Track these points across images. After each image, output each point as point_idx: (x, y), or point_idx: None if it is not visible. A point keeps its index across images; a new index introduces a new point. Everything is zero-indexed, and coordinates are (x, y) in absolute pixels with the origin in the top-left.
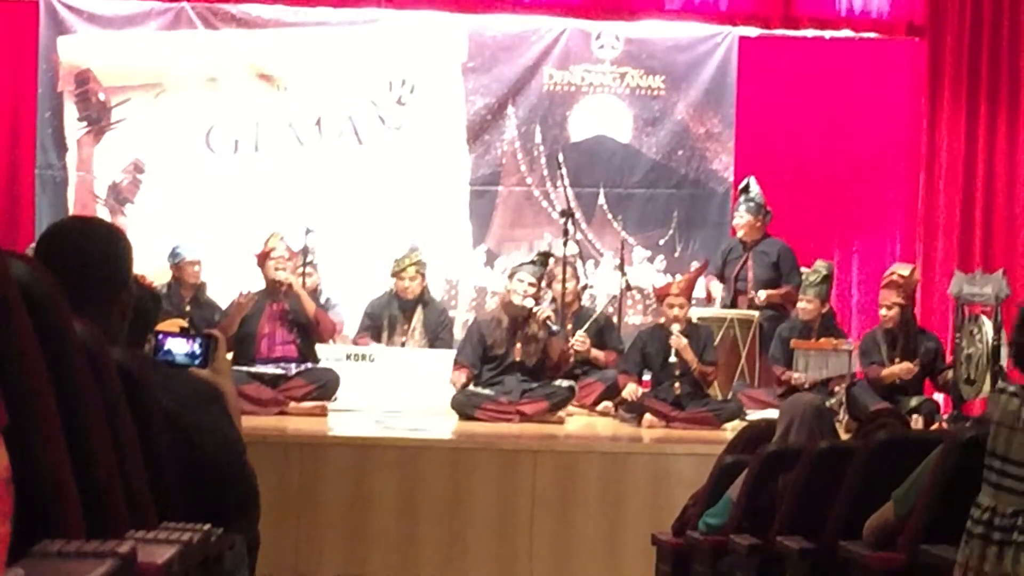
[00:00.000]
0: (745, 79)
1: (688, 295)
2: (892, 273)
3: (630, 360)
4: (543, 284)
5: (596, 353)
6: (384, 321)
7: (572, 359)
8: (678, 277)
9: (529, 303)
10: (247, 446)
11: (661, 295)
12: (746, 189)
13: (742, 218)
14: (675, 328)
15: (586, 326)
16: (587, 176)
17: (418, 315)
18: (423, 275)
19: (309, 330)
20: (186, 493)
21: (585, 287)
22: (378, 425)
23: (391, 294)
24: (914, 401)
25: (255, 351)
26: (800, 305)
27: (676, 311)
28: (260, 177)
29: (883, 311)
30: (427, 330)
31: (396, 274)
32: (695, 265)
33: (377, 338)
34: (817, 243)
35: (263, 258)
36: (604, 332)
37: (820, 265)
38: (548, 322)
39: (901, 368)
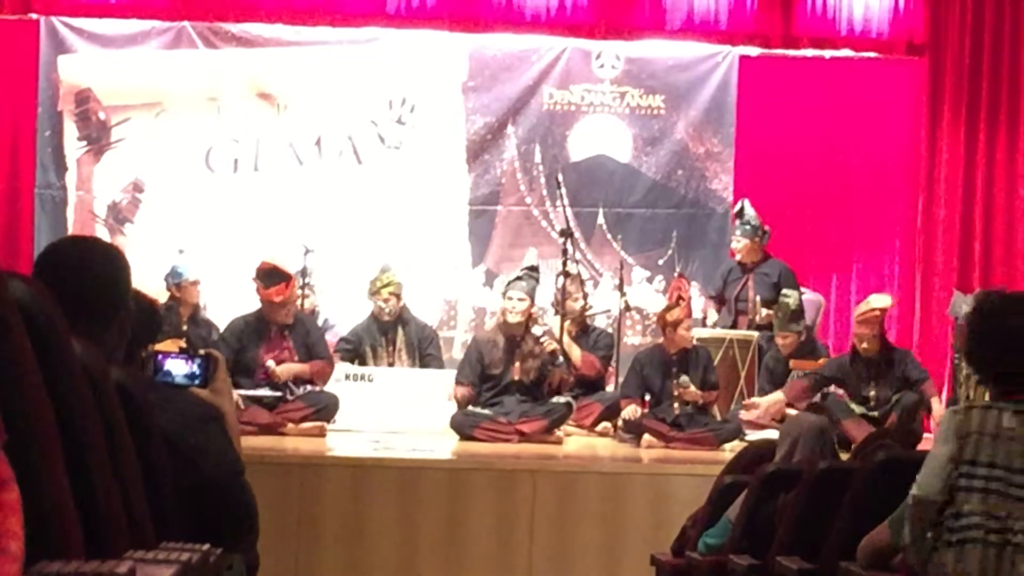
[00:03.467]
0: (745, 99)
1: (690, 316)
2: (871, 309)
3: (630, 384)
4: (535, 299)
5: (574, 353)
6: (366, 346)
7: (571, 381)
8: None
9: (518, 319)
10: (246, 466)
11: (673, 322)
12: (741, 213)
13: (739, 242)
14: (684, 380)
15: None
16: (586, 196)
17: (400, 335)
18: (398, 296)
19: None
20: (185, 513)
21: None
22: (377, 445)
23: (370, 318)
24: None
25: (256, 377)
26: (779, 342)
27: (687, 332)
28: (259, 196)
29: (863, 344)
30: (411, 349)
31: (372, 295)
32: (704, 299)
33: (360, 363)
34: (816, 262)
35: (276, 305)
36: (591, 335)
37: (788, 299)
38: (543, 340)
39: None
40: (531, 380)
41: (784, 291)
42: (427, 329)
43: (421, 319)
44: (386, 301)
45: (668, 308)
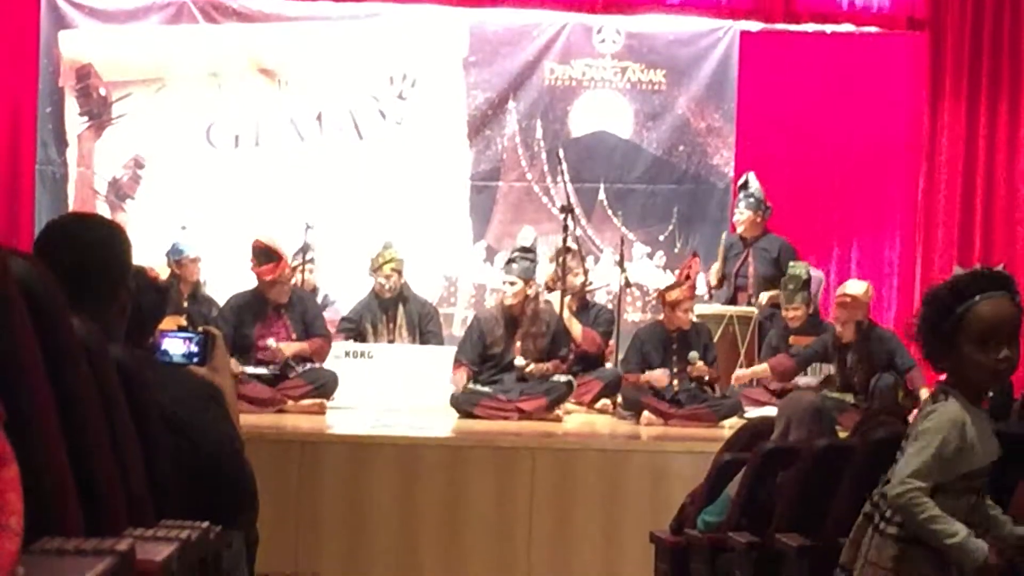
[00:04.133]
0: (746, 74)
1: (692, 297)
2: (843, 294)
3: (631, 360)
4: (530, 279)
5: (575, 328)
6: (367, 323)
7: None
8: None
9: (511, 301)
10: (245, 444)
11: (672, 302)
12: (745, 185)
13: (742, 214)
14: (693, 355)
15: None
16: (587, 171)
17: (400, 312)
18: (400, 272)
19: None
20: (184, 491)
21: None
22: (376, 423)
23: (371, 295)
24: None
25: (254, 353)
26: (787, 314)
27: (685, 315)
28: (260, 172)
29: (838, 327)
30: (412, 326)
31: (373, 272)
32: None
33: (360, 340)
34: (817, 237)
35: (269, 283)
36: (591, 311)
37: (797, 269)
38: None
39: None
40: (535, 358)
41: (792, 263)
42: (427, 306)
43: (421, 296)
44: (387, 277)
45: (670, 287)
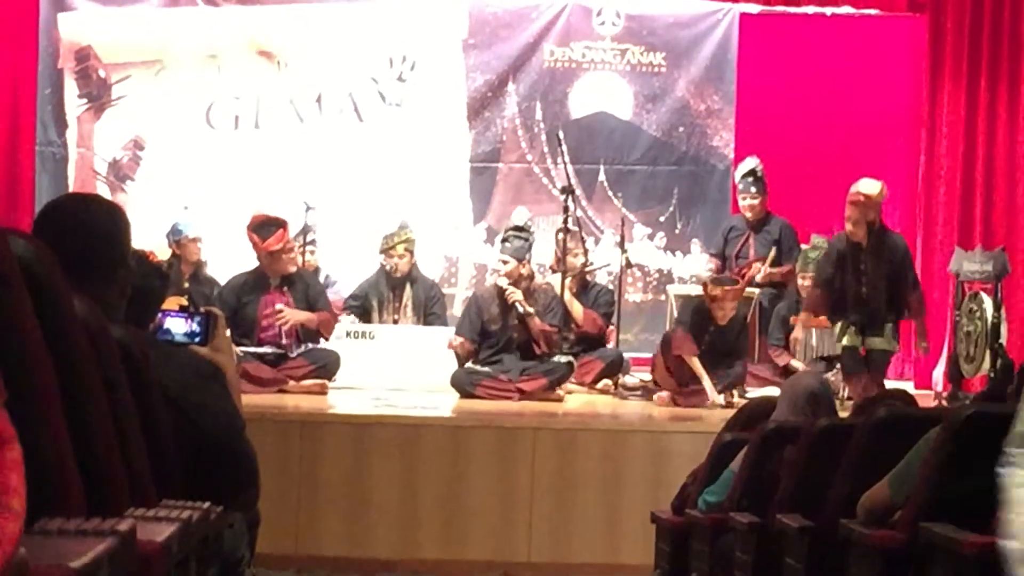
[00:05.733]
0: (746, 56)
1: (737, 298)
2: (856, 192)
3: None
4: (524, 259)
5: (576, 309)
6: (373, 301)
7: (555, 338)
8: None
9: (503, 282)
10: (247, 424)
11: (710, 296)
12: (753, 171)
13: (754, 199)
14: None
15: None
16: (587, 153)
17: (407, 293)
18: (412, 252)
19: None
20: (186, 471)
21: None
22: (378, 403)
23: (379, 273)
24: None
25: (256, 333)
26: (802, 283)
27: (723, 313)
28: (260, 154)
29: (848, 227)
30: (418, 307)
31: (385, 251)
32: (706, 256)
33: (365, 318)
34: (816, 219)
35: (277, 253)
36: (591, 291)
37: (818, 240)
38: (518, 304)
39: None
40: (524, 342)
41: (816, 236)
42: (435, 288)
43: (429, 277)
44: (400, 257)
45: (715, 280)
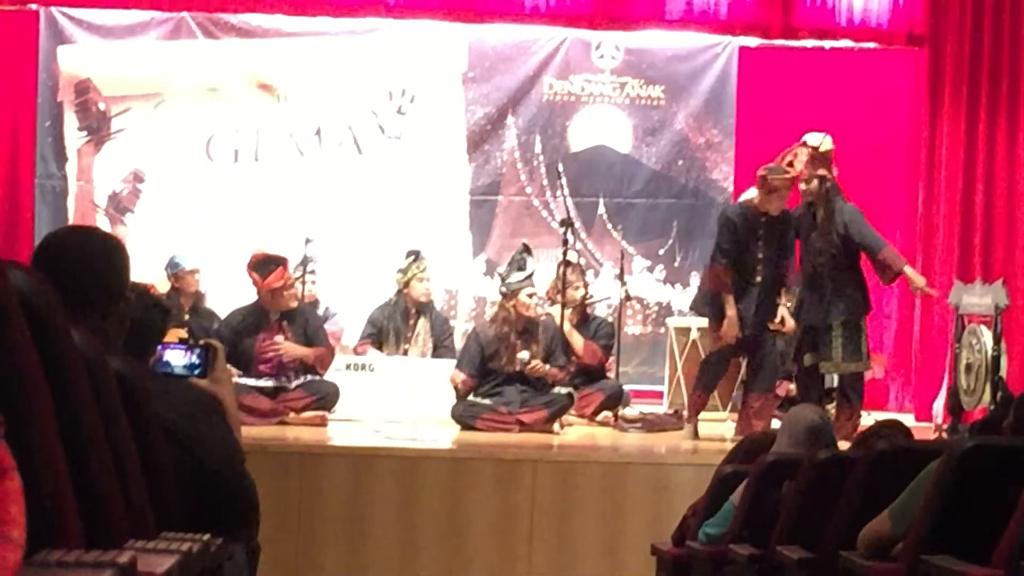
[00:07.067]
0: (745, 89)
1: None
2: (803, 143)
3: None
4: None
5: (576, 341)
6: (390, 330)
7: (564, 377)
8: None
9: (540, 310)
10: (247, 456)
11: (771, 187)
12: None
13: None
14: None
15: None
16: (587, 186)
17: (422, 322)
18: (428, 281)
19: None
20: (185, 503)
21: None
22: (378, 435)
23: (394, 302)
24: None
25: (255, 367)
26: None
27: (781, 202)
28: (260, 187)
29: (802, 185)
30: (431, 337)
31: (408, 281)
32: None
33: (380, 346)
34: None
35: (278, 291)
36: (591, 324)
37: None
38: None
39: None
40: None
41: None
42: (447, 322)
43: (442, 312)
44: (422, 281)
45: (771, 169)
